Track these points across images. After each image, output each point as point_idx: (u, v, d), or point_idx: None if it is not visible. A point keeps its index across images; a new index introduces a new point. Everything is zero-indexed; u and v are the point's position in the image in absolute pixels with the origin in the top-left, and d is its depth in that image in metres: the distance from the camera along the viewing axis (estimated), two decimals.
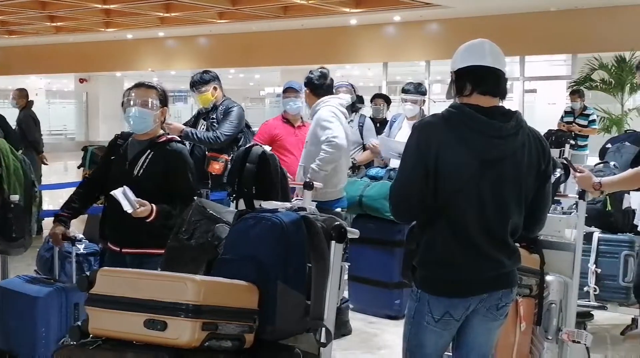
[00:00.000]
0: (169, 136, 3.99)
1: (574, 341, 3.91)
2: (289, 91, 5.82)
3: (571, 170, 4.08)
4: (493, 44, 2.97)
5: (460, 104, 2.89)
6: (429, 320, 2.90)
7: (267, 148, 4.77)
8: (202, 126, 5.84)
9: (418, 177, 2.81)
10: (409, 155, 2.86)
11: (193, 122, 6.00)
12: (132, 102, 3.80)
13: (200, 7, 14.33)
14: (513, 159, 2.84)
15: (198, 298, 2.42)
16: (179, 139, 4.16)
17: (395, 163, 5.93)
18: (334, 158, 5.04)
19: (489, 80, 2.88)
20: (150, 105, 3.80)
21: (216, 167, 5.60)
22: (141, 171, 3.79)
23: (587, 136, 10.91)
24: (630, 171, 4.01)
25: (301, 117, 5.94)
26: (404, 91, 6.51)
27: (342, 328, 5.25)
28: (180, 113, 23.83)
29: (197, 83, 5.85)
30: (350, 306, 5.66)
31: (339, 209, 5.16)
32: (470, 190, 2.81)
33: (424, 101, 6.60)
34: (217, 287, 2.54)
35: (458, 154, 2.79)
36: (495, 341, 3.14)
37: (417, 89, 6.47)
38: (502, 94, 2.93)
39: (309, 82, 5.27)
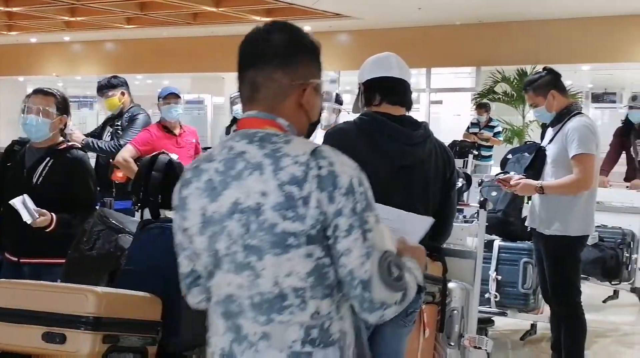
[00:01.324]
0: (69, 144, 3.90)
1: (475, 347, 4.01)
2: (170, 97, 5.60)
3: (506, 186, 4.31)
4: (399, 57, 3.05)
5: (371, 112, 2.93)
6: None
7: (174, 156, 4.73)
8: (108, 133, 5.73)
9: None
10: None
11: (100, 129, 5.88)
12: (28, 110, 3.70)
13: (107, 11, 14.04)
14: (421, 167, 2.91)
15: (99, 310, 2.38)
16: (80, 146, 4.07)
17: None
18: None
19: (398, 91, 2.96)
20: (47, 113, 3.69)
21: (119, 175, 5.47)
22: (40, 179, 3.69)
23: (491, 147, 11.25)
24: (567, 177, 4.24)
25: (179, 124, 5.75)
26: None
27: None
28: (86, 119, 23.27)
29: (104, 87, 5.74)
30: None
31: None
32: (382, 196, 2.85)
33: (340, 110, 6.56)
34: (118, 299, 2.50)
35: (371, 160, 2.82)
36: (406, 349, 3.18)
37: (337, 99, 6.41)
38: (408, 105, 3.01)
39: None
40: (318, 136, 6.39)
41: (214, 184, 1.80)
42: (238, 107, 5.70)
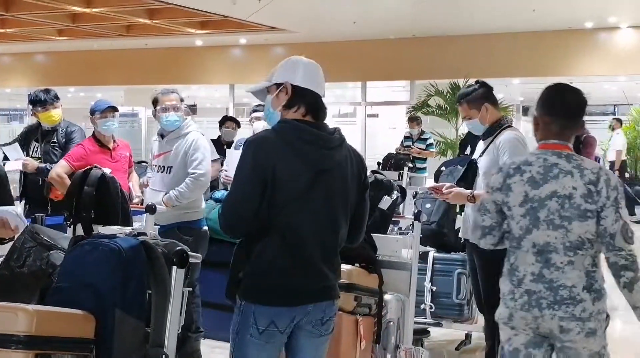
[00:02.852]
0: None
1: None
2: (107, 110, 5.44)
3: (439, 193, 4.36)
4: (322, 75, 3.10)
5: (290, 119, 2.97)
6: (253, 332, 2.88)
7: (107, 171, 4.65)
8: (36, 148, 5.59)
9: (255, 193, 2.84)
10: (245, 171, 2.87)
11: (23, 143, 5.71)
12: None
13: (38, 23, 13.77)
14: (339, 170, 2.96)
15: (30, 329, 2.33)
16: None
17: None
18: (195, 194, 4.95)
19: (321, 109, 3.01)
20: None
21: (58, 193, 5.31)
22: None
23: (425, 159, 11.41)
24: None
25: (113, 138, 5.61)
26: (257, 110, 6.34)
27: None
28: (15, 132, 22.71)
29: (47, 101, 5.59)
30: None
31: (206, 228, 5.06)
32: (305, 200, 2.90)
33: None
34: (50, 316, 2.45)
35: (293, 165, 2.88)
36: None
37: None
38: (324, 119, 3.06)
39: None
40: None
41: (535, 179, 2.97)
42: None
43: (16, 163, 5.44)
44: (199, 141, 4.94)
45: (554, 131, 3.03)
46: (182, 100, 5.03)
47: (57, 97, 5.65)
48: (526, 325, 3.02)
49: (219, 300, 5.62)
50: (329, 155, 2.93)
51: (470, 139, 8.52)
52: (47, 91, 5.67)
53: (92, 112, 5.44)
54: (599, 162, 7.59)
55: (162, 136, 5.02)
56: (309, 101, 2.97)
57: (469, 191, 4.39)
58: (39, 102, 5.62)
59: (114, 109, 5.47)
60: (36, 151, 5.58)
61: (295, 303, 2.91)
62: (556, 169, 2.95)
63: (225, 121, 8.64)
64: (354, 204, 3.03)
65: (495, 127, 4.44)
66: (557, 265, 2.94)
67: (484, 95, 4.48)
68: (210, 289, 5.62)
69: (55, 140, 5.60)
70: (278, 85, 2.99)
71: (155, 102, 4.97)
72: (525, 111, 21.65)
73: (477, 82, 4.58)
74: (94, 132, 5.49)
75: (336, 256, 3.02)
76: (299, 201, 2.88)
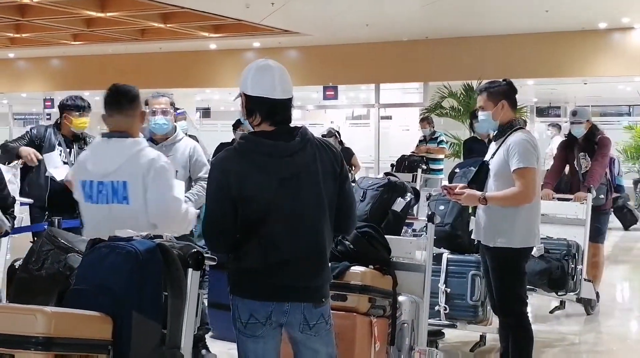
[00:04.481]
0: None
1: None
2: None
3: (451, 194, 4.39)
4: (282, 71, 3.07)
5: (247, 134, 3.06)
6: (239, 326, 3.03)
7: None
8: (60, 153, 5.64)
9: (225, 211, 2.95)
10: (212, 191, 3.01)
11: (62, 149, 5.72)
12: None
13: (53, 28, 13.87)
14: (307, 172, 3.00)
15: (49, 330, 2.36)
16: None
17: None
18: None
19: (278, 112, 3.02)
20: None
21: None
22: None
23: (441, 160, 11.39)
24: (510, 190, 4.33)
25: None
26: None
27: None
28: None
29: (84, 108, 5.68)
30: (210, 333, 5.60)
31: None
32: (276, 210, 2.97)
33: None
34: (68, 318, 2.49)
35: (256, 179, 2.95)
36: None
37: None
38: (289, 120, 3.07)
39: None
40: None
41: None
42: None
43: (63, 169, 5.48)
44: (198, 146, 5.07)
45: None
46: (172, 104, 5.09)
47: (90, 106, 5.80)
48: None
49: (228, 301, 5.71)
50: (290, 162, 2.97)
51: (471, 143, 8.55)
52: (81, 98, 5.78)
53: None
54: (614, 163, 7.54)
55: (153, 141, 4.94)
56: (261, 109, 3.00)
57: (480, 193, 4.40)
58: (76, 107, 5.70)
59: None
60: (62, 156, 5.63)
61: (268, 298, 2.99)
62: None
63: (238, 124, 8.66)
64: (333, 199, 3.07)
65: (507, 129, 4.44)
66: None
67: (505, 92, 4.48)
68: (223, 290, 5.65)
69: (85, 147, 5.70)
70: (241, 95, 3.07)
71: (145, 104, 4.98)
72: (540, 112, 21.57)
73: (504, 80, 4.58)
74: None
75: (320, 257, 3.05)
76: (269, 211, 2.96)
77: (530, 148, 4.32)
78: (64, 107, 5.72)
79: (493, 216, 4.42)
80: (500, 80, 4.59)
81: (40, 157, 5.52)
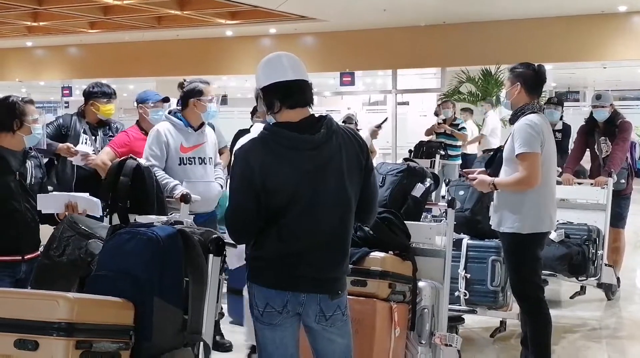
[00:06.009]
0: None
1: (446, 344, 4.05)
2: (160, 101, 5.56)
3: (467, 179, 4.42)
4: (290, 56, 3.08)
5: (272, 125, 3.02)
6: (257, 314, 3.02)
7: (142, 161, 4.70)
8: (85, 140, 5.67)
9: (248, 200, 2.94)
10: (236, 183, 2.99)
11: (89, 135, 5.74)
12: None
13: (70, 16, 13.91)
14: (332, 164, 2.98)
15: (71, 316, 2.37)
16: None
17: None
18: None
19: (294, 92, 3.01)
20: None
21: None
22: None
23: (459, 147, 11.34)
24: (514, 175, 4.33)
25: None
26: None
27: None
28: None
29: (112, 95, 5.72)
30: (230, 319, 5.62)
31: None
32: (298, 201, 2.95)
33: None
34: (90, 304, 2.49)
35: (280, 171, 2.93)
36: (350, 352, 3.17)
37: None
38: (308, 102, 3.05)
39: None
40: None
41: None
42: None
43: (86, 147, 5.58)
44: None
45: None
46: None
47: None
48: None
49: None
50: (315, 155, 2.96)
51: None
52: (107, 86, 5.82)
53: (143, 101, 5.52)
54: (635, 147, 7.46)
55: (192, 127, 5.00)
56: (277, 94, 2.99)
57: (491, 179, 4.39)
58: (103, 94, 5.73)
59: (165, 100, 5.61)
60: (87, 143, 5.67)
61: (284, 288, 2.98)
62: None
63: (256, 111, 8.67)
64: (357, 191, 3.06)
65: (518, 114, 4.41)
66: None
67: (524, 75, 4.44)
68: (243, 276, 5.67)
69: (111, 134, 5.72)
70: (259, 95, 3.07)
71: (193, 92, 5.01)
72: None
73: (538, 65, 4.53)
74: (138, 120, 5.58)
75: (340, 250, 3.05)
76: (291, 203, 2.95)
77: (532, 133, 4.27)
78: (91, 95, 5.75)
79: (503, 201, 4.44)
80: (532, 64, 4.54)
81: (75, 149, 5.55)
